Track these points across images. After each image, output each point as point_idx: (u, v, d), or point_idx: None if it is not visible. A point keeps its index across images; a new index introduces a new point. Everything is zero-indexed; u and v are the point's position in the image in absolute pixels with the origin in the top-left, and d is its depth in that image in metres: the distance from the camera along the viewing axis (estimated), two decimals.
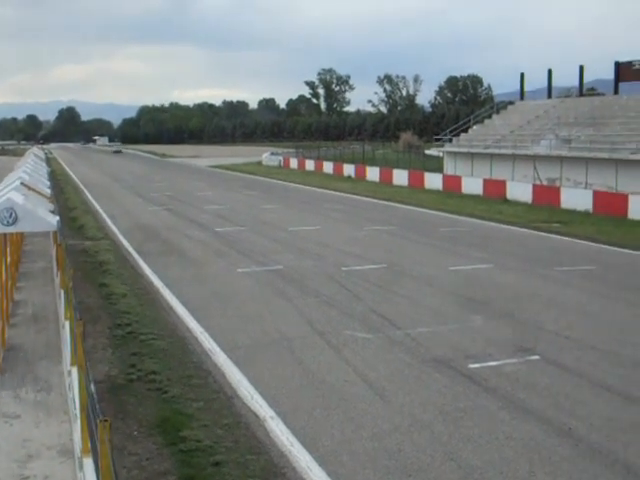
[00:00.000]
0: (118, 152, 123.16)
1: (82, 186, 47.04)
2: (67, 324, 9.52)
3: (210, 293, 15.22)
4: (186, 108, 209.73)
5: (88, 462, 5.84)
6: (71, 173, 62.78)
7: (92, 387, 5.88)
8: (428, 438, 7.95)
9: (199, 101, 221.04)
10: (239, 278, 16.73)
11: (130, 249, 20.86)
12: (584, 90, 50.78)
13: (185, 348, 11.37)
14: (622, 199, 30.88)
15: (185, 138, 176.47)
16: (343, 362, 10.49)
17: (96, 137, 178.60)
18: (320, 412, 8.67)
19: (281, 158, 76.38)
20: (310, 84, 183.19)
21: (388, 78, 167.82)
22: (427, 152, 66.78)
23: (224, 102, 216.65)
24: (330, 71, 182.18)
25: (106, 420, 4.54)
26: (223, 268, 18.03)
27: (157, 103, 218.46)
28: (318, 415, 8.59)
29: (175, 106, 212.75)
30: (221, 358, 10.77)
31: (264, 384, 9.61)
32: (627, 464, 7.34)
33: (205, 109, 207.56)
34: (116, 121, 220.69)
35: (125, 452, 7.64)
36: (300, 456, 7.56)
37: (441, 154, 53.96)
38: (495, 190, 38.24)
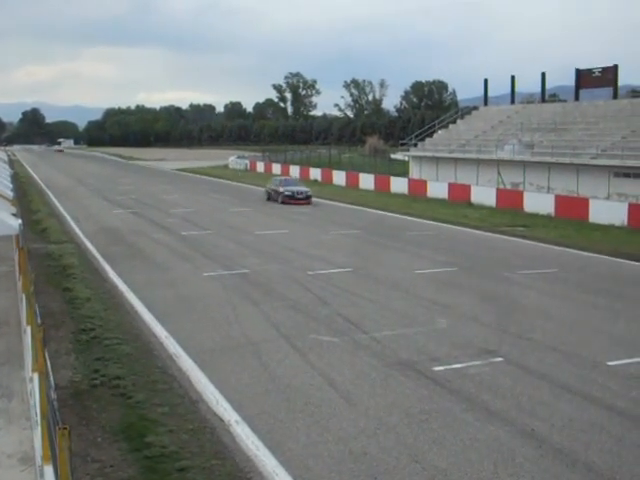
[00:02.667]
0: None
1: (46, 189, 46.39)
2: (29, 329, 9.35)
3: (175, 297, 15.07)
4: (153, 111, 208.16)
5: (49, 470, 5.73)
6: (35, 176, 61.87)
7: (53, 394, 5.78)
8: (393, 441, 7.96)
9: (166, 104, 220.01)
10: (205, 282, 16.61)
11: (95, 253, 20.60)
12: (546, 96, 51.47)
13: (150, 353, 11.24)
14: (583, 203, 31.36)
15: (151, 141, 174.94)
16: (309, 366, 10.46)
17: (61, 140, 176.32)
18: (286, 416, 8.64)
19: (247, 162, 76.19)
20: (277, 88, 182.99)
21: (355, 83, 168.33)
22: (393, 156, 67.11)
23: (191, 105, 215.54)
24: (297, 75, 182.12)
25: (65, 428, 4.46)
26: (189, 272, 17.88)
27: (123, 106, 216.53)
28: (284, 419, 8.55)
29: (141, 109, 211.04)
30: (186, 362, 10.67)
31: (229, 388, 9.55)
32: (588, 463, 7.43)
33: (172, 112, 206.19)
34: (82, 123, 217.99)
35: (88, 459, 7.51)
36: (266, 460, 7.52)
37: (407, 158, 54.26)
38: (460, 194, 38.57)
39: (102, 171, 71.39)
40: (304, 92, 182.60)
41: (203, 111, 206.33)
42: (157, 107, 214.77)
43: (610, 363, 10.66)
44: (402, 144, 59.56)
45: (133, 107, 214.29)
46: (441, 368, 10.30)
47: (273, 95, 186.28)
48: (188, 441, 7.97)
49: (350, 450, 7.72)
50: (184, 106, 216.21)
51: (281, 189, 36.95)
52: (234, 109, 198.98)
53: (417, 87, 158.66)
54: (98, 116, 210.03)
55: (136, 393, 9.34)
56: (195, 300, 14.78)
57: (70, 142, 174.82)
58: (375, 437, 8.05)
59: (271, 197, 37.58)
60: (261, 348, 11.34)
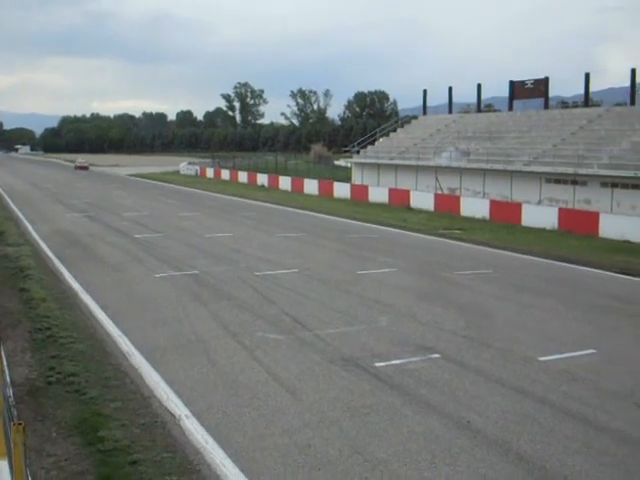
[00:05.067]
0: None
1: (3, 193, 45.23)
2: None
3: (128, 297, 14.86)
4: (107, 119, 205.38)
5: (4, 464, 5.63)
6: None
7: (9, 391, 5.66)
8: (336, 433, 7.97)
9: (119, 112, 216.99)
10: (156, 283, 16.40)
11: (50, 255, 20.14)
12: (482, 106, 52.33)
13: (104, 351, 11.04)
14: (516, 207, 31.98)
15: (105, 148, 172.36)
16: (255, 362, 10.42)
17: (18, 146, 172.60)
18: (233, 410, 8.57)
19: (198, 168, 75.65)
20: (226, 97, 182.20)
21: (301, 92, 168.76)
22: (336, 163, 67.54)
23: (144, 113, 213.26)
24: (245, 85, 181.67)
25: (20, 423, 4.38)
26: (141, 273, 17.63)
27: (79, 113, 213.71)
28: (231, 413, 8.49)
29: (96, 117, 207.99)
30: (138, 360, 10.52)
31: (180, 384, 9.44)
32: (519, 452, 7.56)
33: (125, 120, 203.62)
34: (39, 130, 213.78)
35: (44, 453, 7.37)
36: (214, 453, 7.45)
37: (349, 165, 54.53)
38: (400, 199, 38.93)
39: (58, 176, 70.01)
40: (252, 101, 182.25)
41: (155, 119, 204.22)
42: (111, 115, 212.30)
43: (541, 358, 10.85)
44: (345, 151, 59.89)
45: (88, 115, 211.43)
46: (382, 364, 10.36)
47: (222, 104, 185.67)
48: (140, 435, 7.86)
49: (295, 442, 7.71)
50: (137, 114, 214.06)
51: None
52: (185, 117, 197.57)
53: (360, 97, 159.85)
54: (54, 124, 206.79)
55: (90, 389, 9.17)
56: (147, 300, 14.59)
57: (27, 148, 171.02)
58: (319, 430, 8.05)
59: None
60: (210, 346, 11.25)
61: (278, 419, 8.33)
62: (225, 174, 66.74)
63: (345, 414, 8.52)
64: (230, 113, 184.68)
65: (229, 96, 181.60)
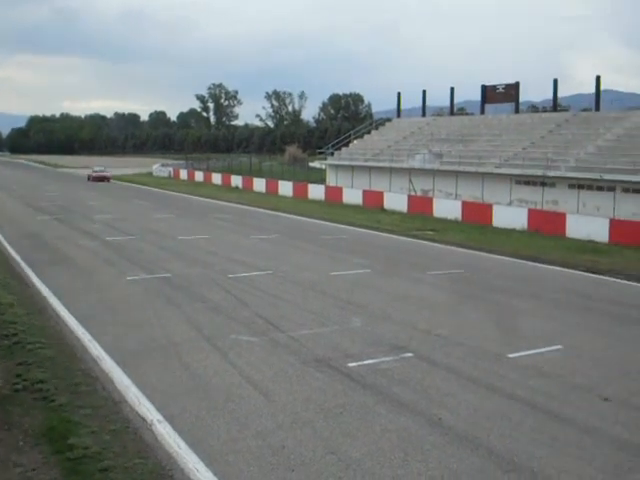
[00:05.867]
0: None
1: None
2: None
3: (99, 301, 14.70)
4: (77, 119, 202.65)
5: None
6: None
7: None
8: (310, 434, 7.99)
9: (91, 112, 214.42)
10: (128, 286, 16.28)
11: (18, 259, 19.86)
12: (454, 110, 52.79)
13: (73, 356, 10.90)
14: (487, 208, 32.32)
15: (76, 149, 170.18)
16: (229, 365, 10.39)
17: None
18: (206, 414, 8.55)
19: (171, 169, 75.20)
20: (200, 98, 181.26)
21: (276, 94, 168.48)
22: (311, 164, 67.50)
23: (115, 114, 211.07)
24: (220, 86, 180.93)
25: None
26: (112, 276, 17.49)
27: (48, 113, 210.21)
28: (205, 417, 8.46)
29: (66, 117, 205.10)
30: (109, 365, 10.41)
31: (152, 389, 9.37)
32: (489, 447, 7.67)
33: (97, 120, 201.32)
34: (5, 131, 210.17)
35: (10, 463, 7.20)
36: (187, 457, 7.41)
37: (324, 166, 54.65)
38: (374, 200, 39.10)
39: (26, 178, 69.16)
40: (226, 102, 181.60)
41: (128, 120, 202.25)
42: (82, 115, 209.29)
43: (511, 355, 11.02)
44: (320, 153, 59.95)
45: (58, 115, 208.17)
46: (355, 364, 10.40)
47: (196, 105, 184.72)
48: (111, 442, 7.76)
49: (269, 444, 7.71)
50: (109, 114, 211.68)
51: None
52: (158, 118, 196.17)
53: (334, 99, 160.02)
54: (22, 123, 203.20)
55: (59, 396, 9.03)
56: (118, 304, 14.46)
57: None
58: (292, 431, 8.06)
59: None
60: (182, 349, 11.19)
61: (252, 421, 8.33)
62: (199, 176, 66.44)
63: (318, 415, 8.54)
64: (204, 114, 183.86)
65: (203, 97, 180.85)
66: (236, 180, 57.24)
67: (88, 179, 63.94)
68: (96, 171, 65.50)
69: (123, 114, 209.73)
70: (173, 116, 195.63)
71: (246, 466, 7.23)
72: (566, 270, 20.10)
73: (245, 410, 8.67)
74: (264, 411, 8.64)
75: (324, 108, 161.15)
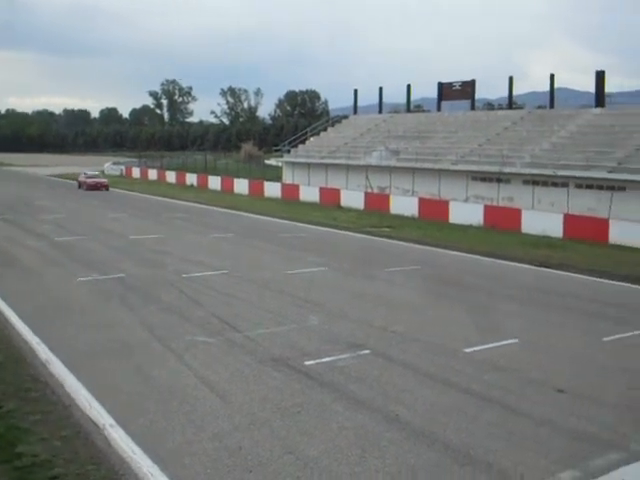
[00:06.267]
0: None
1: None
2: None
3: (48, 303, 14.40)
4: (24, 115, 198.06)
5: None
6: None
7: None
8: (267, 434, 7.95)
9: (39, 108, 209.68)
10: (79, 287, 15.99)
11: None
12: (411, 107, 53.17)
13: (22, 360, 10.64)
14: (444, 205, 32.65)
15: (23, 146, 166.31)
16: (184, 366, 10.29)
17: None
18: (161, 417, 8.44)
19: (123, 168, 74.15)
20: (153, 94, 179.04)
21: (231, 90, 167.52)
22: (267, 162, 67.38)
23: (65, 110, 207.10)
24: (173, 82, 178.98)
25: None
26: (62, 277, 17.16)
27: None
28: (159, 420, 8.35)
29: (12, 113, 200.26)
30: (59, 368, 10.19)
31: (104, 392, 9.20)
32: (445, 442, 7.75)
33: (45, 116, 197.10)
34: None
35: None
36: (141, 462, 7.30)
37: (280, 164, 54.57)
38: (330, 198, 39.19)
39: None
40: (180, 99, 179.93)
41: (77, 116, 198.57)
42: (29, 111, 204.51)
43: (466, 350, 11.16)
44: (276, 150, 59.85)
45: (3, 111, 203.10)
46: (312, 362, 10.40)
47: (149, 102, 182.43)
48: (61, 448, 7.59)
49: (225, 446, 7.65)
50: (57, 111, 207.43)
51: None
52: (110, 115, 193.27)
53: (291, 96, 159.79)
54: None
55: (6, 402, 8.81)
56: (69, 305, 14.19)
57: None
58: (249, 432, 8.02)
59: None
60: (136, 351, 11.04)
61: (208, 423, 8.25)
62: (152, 174, 65.72)
63: (275, 414, 8.52)
64: (158, 111, 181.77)
65: (156, 93, 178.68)
66: (191, 178, 56.77)
67: (79, 187, 50.83)
68: (89, 176, 52.03)
69: (73, 110, 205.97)
70: (125, 113, 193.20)
71: (202, 468, 7.17)
72: (521, 265, 20.45)
73: (201, 412, 8.59)
74: (220, 412, 8.58)
75: (280, 105, 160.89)
